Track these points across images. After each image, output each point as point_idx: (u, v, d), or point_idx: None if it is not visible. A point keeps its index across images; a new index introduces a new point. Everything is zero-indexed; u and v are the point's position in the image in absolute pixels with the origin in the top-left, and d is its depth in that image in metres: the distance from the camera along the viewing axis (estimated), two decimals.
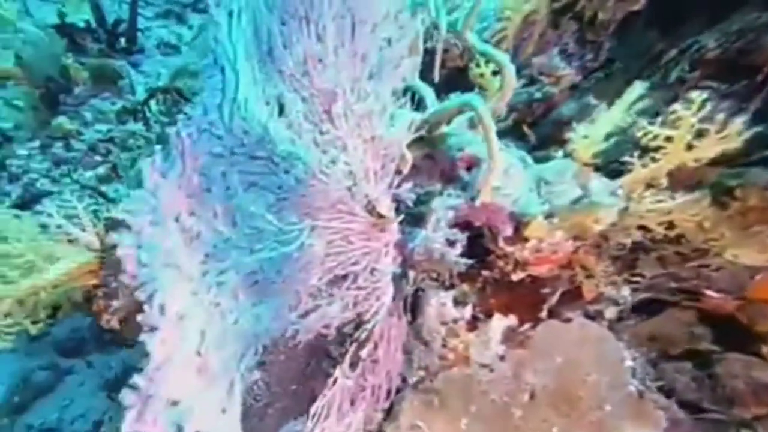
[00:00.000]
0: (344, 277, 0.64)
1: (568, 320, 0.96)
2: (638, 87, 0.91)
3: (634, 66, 1.28)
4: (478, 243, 0.88)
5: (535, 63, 1.14)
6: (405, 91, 0.90)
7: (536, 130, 1.11)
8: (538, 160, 0.94)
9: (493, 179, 0.79)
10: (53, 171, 1.85)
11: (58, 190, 1.78)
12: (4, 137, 2.01)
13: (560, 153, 1.00)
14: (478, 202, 0.82)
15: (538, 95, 1.10)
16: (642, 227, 0.94)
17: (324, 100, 0.63)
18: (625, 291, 1.03)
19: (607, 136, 0.92)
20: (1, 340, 0.96)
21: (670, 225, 0.96)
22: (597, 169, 0.95)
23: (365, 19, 0.72)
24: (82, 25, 2.17)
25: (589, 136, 0.91)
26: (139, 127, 1.91)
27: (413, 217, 0.84)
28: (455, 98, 0.84)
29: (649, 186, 0.89)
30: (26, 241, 1.02)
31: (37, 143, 1.95)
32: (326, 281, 0.63)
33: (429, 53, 0.99)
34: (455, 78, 1.14)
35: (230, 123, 0.63)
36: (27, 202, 1.74)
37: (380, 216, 0.68)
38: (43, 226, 1.05)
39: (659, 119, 0.85)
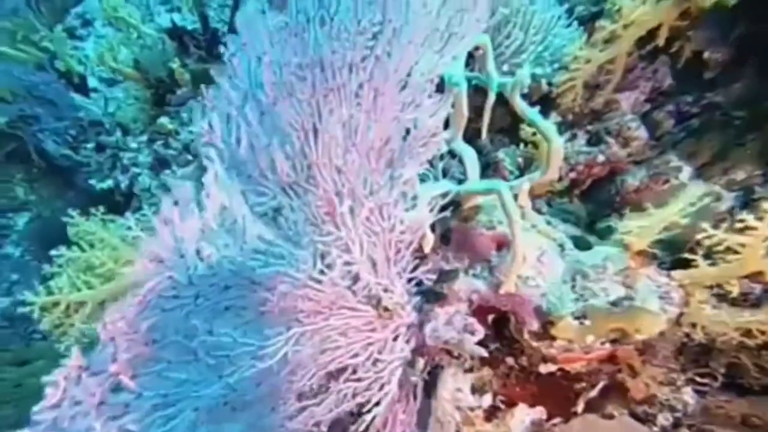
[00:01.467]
0: (341, 370, 0.63)
1: (610, 417, 0.85)
2: (694, 188, 0.74)
3: (738, 121, 1.05)
4: (504, 325, 0.81)
5: (604, 119, 0.99)
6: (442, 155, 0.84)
7: (595, 195, 0.97)
8: (581, 244, 0.82)
9: (516, 270, 0.71)
10: (155, 167, 2.07)
11: (156, 184, 1.99)
12: (123, 129, 2.28)
13: (618, 229, 0.86)
14: (502, 291, 0.75)
15: (601, 157, 0.96)
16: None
17: (327, 202, 0.61)
18: (688, 395, 0.86)
19: (665, 229, 0.77)
20: (84, 340, 1.11)
21: (747, 332, 0.79)
22: (654, 257, 0.81)
23: (386, 105, 0.67)
24: (190, 29, 2.35)
25: (642, 227, 0.77)
26: None
27: (434, 295, 0.80)
28: (480, 182, 0.76)
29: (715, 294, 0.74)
30: (108, 250, 1.15)
31: (145, 138, 2.19)
32: (318, 379, 0.61)
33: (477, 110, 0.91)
34: (506, 133, 1.04)
35: (194, 272, 0.60)
36: (128, 197, 1.98)
37: (386, 309, 0.65)
38: (123, 239, 1.18)
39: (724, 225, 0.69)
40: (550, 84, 1.07)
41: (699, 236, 0.70)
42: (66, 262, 1.20)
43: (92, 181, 2.18)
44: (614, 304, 0.74)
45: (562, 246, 0.80)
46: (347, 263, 0.61)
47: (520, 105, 0.80)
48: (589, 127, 1.02)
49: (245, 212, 0.62)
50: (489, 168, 1.03)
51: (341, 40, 0.65)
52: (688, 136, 1.11)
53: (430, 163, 0.80)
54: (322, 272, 0.59)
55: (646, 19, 0.95)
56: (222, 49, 0.89)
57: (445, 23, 0.77)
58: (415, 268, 0.70)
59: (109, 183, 2.10)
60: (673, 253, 0.78)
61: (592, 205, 0.97)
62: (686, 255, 0.75)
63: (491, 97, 0.92)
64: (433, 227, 0.76)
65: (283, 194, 0.63)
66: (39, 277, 1.34)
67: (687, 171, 1.01)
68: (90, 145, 2.33)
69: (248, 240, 0.60)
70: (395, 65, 0.66)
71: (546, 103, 1.07)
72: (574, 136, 1.03)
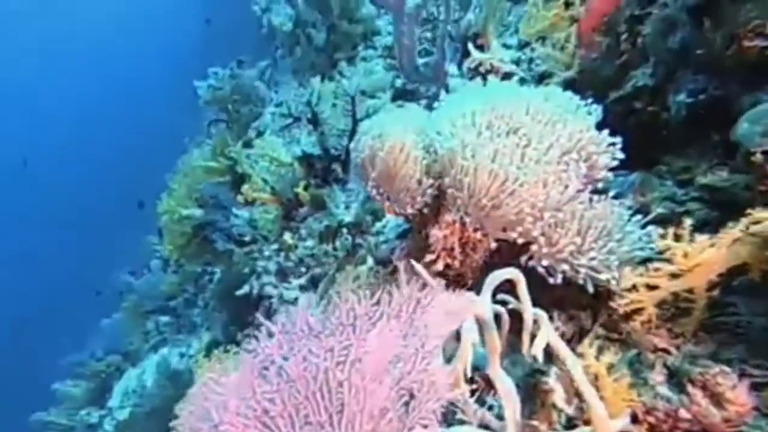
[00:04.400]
0: None
1: None
2: None
3: None
4: None
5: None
6: None
7: None
8: None
9: None
10: (278, 275, 2.35)
11: (277, 293, 2.25)
12: (262, 238, 2.66)
13: None
14: None
15: (685, 413, 0.69)
16: None
17: None
18: None
19: None
20: None
21: None
22: None
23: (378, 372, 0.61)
24: (316, 154, 2.66)
25: None
26: (330, 248, 2.20)
27: None
28: None
29: None
30: None
31: (275, 247, 2.52)
32: None
33: None
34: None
35: None
36: (255, 302, 2.28)
37: None
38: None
39: None
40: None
41: None
42: None
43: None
44: None
45: None
46: None
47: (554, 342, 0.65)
48: (669, 361, 0.76)
49: None
50: (536, 395, 0.86)
51: None
52: None
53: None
54: None
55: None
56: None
57: None
58: None
59: (246, 288, 2.46)
60: None
61: None
62: None
63: (528, 325, 0.79)
64: None
65: None
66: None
67: None
68: (241, 250, 2.77)
69: None
70: None
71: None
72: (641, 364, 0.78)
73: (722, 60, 0.96)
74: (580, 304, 1.15)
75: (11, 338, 13.14)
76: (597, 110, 1.20)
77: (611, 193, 1.17)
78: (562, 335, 1.15)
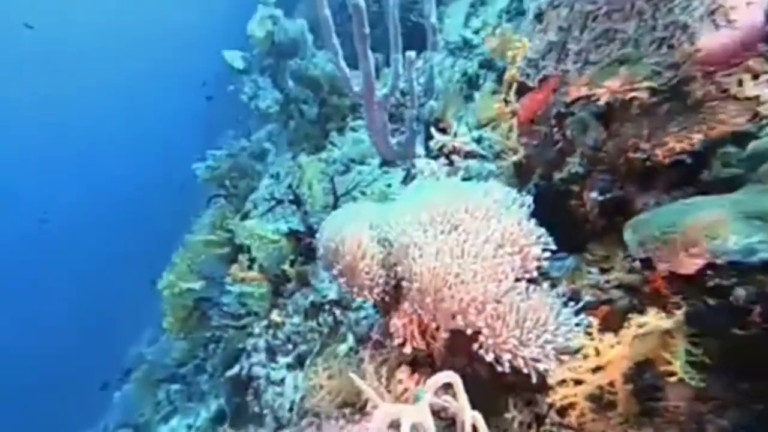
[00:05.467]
0: None
1: None
2: None
3: None
4: None
5: None
6: None
7: None
8: None
9: None
10: (268, 353, 2.38)
11: (265, 373, 2.27)
12: (254, 314, 2.72)
13: None
14: None
15: None
16: None
17: None
18: None
19: None
20: None
21: None
22: None
23: None
24: (302, 230, 2.77)
25: None
26: (315, 324, 2.24)
27: None
28: None
29: None
30: None
31: (265, 323, 2.57)
32: None
33: None
34: None
35: None
36: (243, 383, 2.30)
37: None
38: None
39: None
40: None
41: None
42: None
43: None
44: None
45: None
46: None
47: None
48: None
49: None
50: None
51: None
52: None
53: None
54: None
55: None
56: None
57: None
58: None
59: (236, 369, 2.48)
60: None
61: None
62: None
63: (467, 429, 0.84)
64: None
65: None
66: None
67: None
68: (235, 326, 2.82)
69: None
70: None
71: None
72: None
73: (618, 166, 1.07)
74: (535, 388, 1.18)
75: (21, 410, 12.81)
76: (529, 202, 1.30)
77: (549, 280, 1.24)
78: (520, 423, 1.18)
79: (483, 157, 2.09)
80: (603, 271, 1.12)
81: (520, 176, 1.83)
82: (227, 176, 4.62)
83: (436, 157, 2.22)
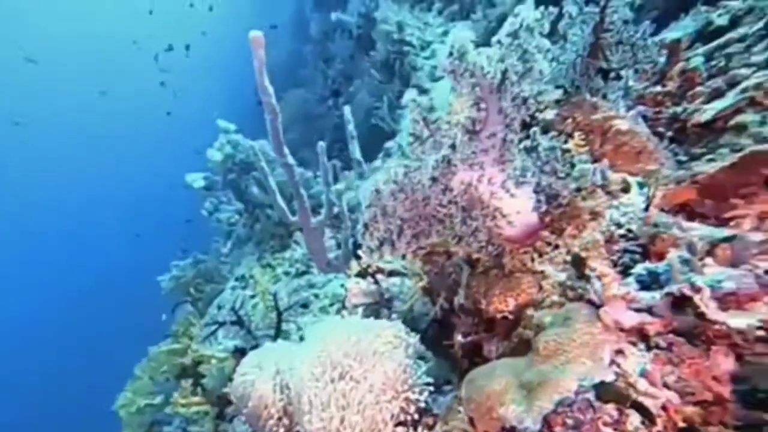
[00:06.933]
0: None
1: None
2: None
3: None
4: None
5: None
6: None
7: None
8: None
9: None
10: None
11: None
12: None
13: None
14: None
15: None
16: None
17: None
18: None
19: None
20: None
21: None
22: None
23: None
24: (248, 347, 2.79)
25: None
26: None
27: None
28: None
29: None
30: None
31: None
32: None
33: None
34: None
35: None
36: None
37: None
38: None
39: None
40: None
41: None
42: None
43: None
44: None
45: None
46: None
47: None
48: None
49: None
50: None
51: None
52: None
53: None
54: None
55: None
56: None
57: None
58: None
59: None
60: None
61: None
62: None
63: None
64: None
65: None
66: None
67: None
68: None
69: None
70: None
71: None
72: None
73: (480, 313, 1.23)
74: None
75: None
76: (415, 342, 1.42)
77: (432, 417, 1.32)
78: None
79: (404, 275, 2.25)
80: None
81: (430, 296, 1.98)
82: (192, 283, 4.68)
83: (364, 276, 2.38)
